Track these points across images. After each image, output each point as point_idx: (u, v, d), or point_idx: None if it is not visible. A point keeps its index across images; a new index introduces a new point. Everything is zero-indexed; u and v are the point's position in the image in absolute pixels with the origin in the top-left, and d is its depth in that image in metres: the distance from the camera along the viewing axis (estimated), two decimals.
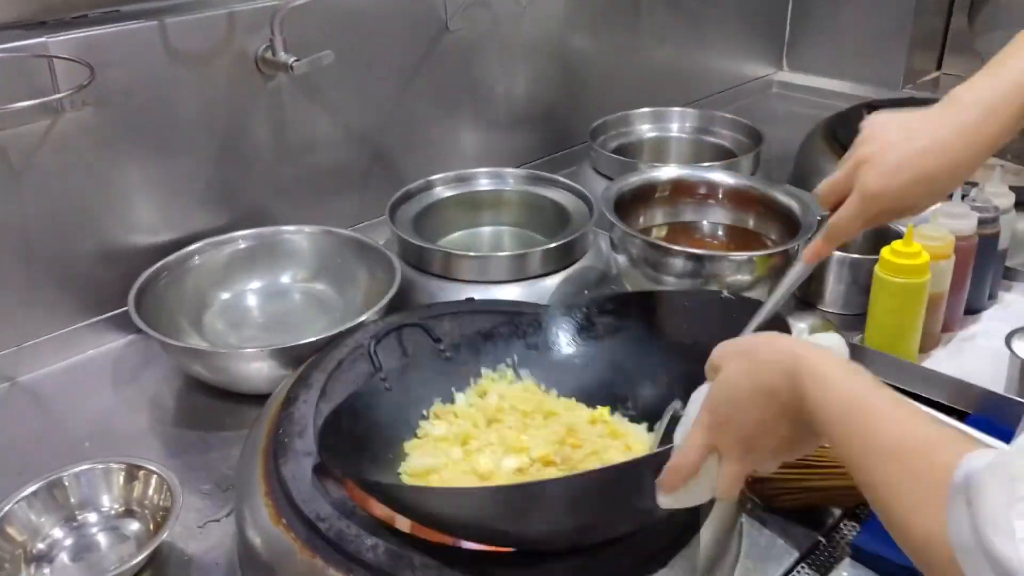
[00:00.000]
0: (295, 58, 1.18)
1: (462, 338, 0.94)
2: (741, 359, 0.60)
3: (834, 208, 0.75)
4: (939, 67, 2.12)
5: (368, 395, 0.86)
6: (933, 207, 0.89)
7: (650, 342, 0.90)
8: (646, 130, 1.63)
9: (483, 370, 0.92)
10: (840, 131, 1.56)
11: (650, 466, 0.65)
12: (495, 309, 1.01)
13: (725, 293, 0.93)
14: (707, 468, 0.62)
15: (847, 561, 0.81)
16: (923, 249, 0.97)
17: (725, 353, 0.62)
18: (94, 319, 1.18)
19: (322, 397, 0.89)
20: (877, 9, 2.01)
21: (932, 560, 0.44)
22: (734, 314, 0.81)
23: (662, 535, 0.75)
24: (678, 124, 1.64)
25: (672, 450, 0.63)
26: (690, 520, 0.77)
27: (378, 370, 0.87)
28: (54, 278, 1.13)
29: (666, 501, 0.64)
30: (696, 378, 0.69)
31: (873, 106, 1.68)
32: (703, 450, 0.61)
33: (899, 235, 1.00)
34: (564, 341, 0.94)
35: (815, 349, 0.56)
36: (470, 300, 1.05)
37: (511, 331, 0.94)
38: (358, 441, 0.83)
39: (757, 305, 0.81)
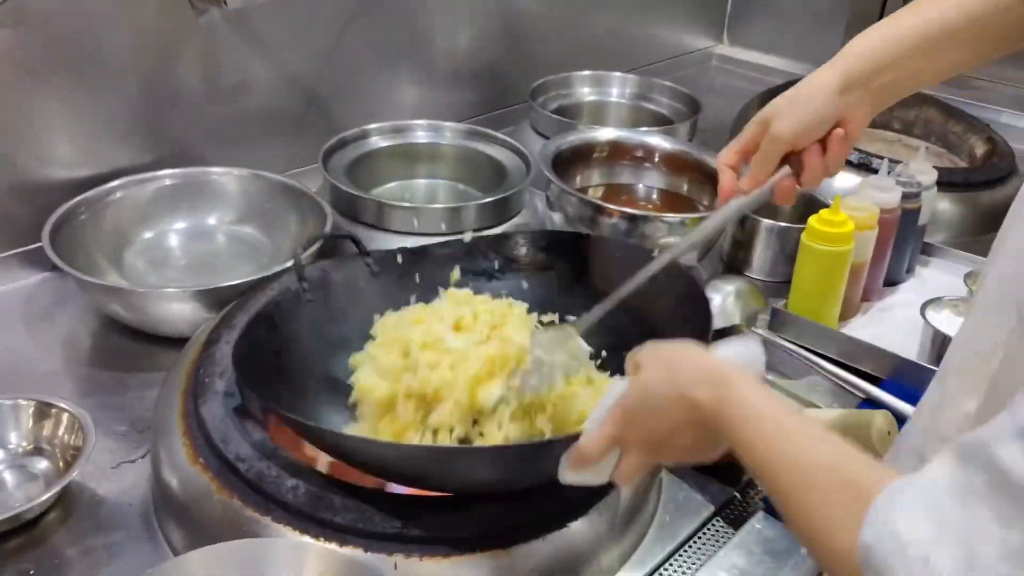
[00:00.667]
0: None
1: (393, 253, 0.93)
2: (665, 368, 0.62)
3: (738, 168, 0.80)
4: None
5: (288, 305, 0.85)
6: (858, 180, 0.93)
7: (578, 283, 0.91)
8: (586, 93, 1.63)
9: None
10: None
11: (562, 446, 0.66)
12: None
13: (656, 252, 0.93)
14: (610, 456, 0.65)
15: (760, 515, 0.83)
16: (848, 219, 1.00)
17: (650, 357, 0.64)
18: (6, 253, 1.13)
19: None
20: None
21: (842, 571, 0.47)
22: (659, 276, 0.82)
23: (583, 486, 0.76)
24: (618, 89, 1.64)
25: (582, 434, 0.65)
26: None
27: (302, 280, 0.86)
28: None
29: (567, 477, 0.67)
30: (615, 330, 0.74)
31: None
32: (610, 442, 0.64)
33: (826, 205, 1.02)
34: (495, 268, 0.95)
35: (738, 371, 0.58)
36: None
37: (446, 255, 0.94)
38: (277, 356, 0.82)
39: (686, 274, 0.82)
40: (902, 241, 1.12)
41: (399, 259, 0.93)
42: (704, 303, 0.84)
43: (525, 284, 0.94)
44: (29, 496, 0.81)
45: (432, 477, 0.73)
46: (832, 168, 0.78)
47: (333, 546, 0.70)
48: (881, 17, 2.10)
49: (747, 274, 1.19)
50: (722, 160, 0.81)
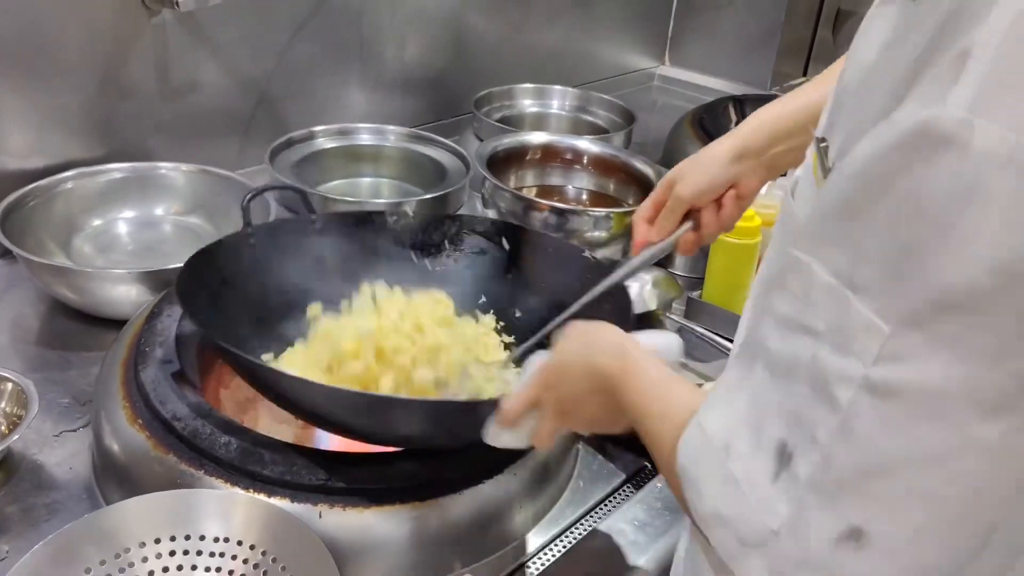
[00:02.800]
0: None
1: (335, 217, 1.00)
2: (581, 339, 0.68)
3: (651, 221, 0.91)
4: (805, 73, 2.28)
5: (232, 246, 0.91)
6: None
7: (508, 270, 0.98)
8: (528, 104, 1.71)
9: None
10: (706, 119, 1.68)
11: (491, 406, 0.72)
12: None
13: (587, 252, 1.01)
14: (528, 421, 0.70)
15: (662, 477, 0.89)
16: (756, 215, 1.08)
17: (570, 331, 0.70)
18: None
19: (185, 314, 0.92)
20: (752, 16, 2.16)
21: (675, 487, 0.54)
22: (589, 274, 0.90)
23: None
24: (558, 102, 1.73)
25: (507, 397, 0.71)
26: None
27: (247, 224, 0.92)
28: None
29: (491, 439, 0.72)
30: (540, 316, 0.79)
31: (737, 100, 1.82)
32: (527, 404, 0.70)
33: None
34: (431, 243, 1.02)
35: (640, 348, 0.65)
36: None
37: (384, 224, 1.00)
38: (215, 291, 0.88)
39: (610, 268, 0.90)
40: None
41: (342, 220, 0.99)
42: (625, 295, 0.90)
43: (455, 264, 1.01)
44: None
45: (363, 424, 0.78)
46: (727, 225, 0.90)
47: (262, 497, 0.75)
48: (812, 44, 2.24)
49: (671, 270, 1.27)
50: (638, 215, 0.91)
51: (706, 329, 1.09)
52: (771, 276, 0.52)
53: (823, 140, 0.52)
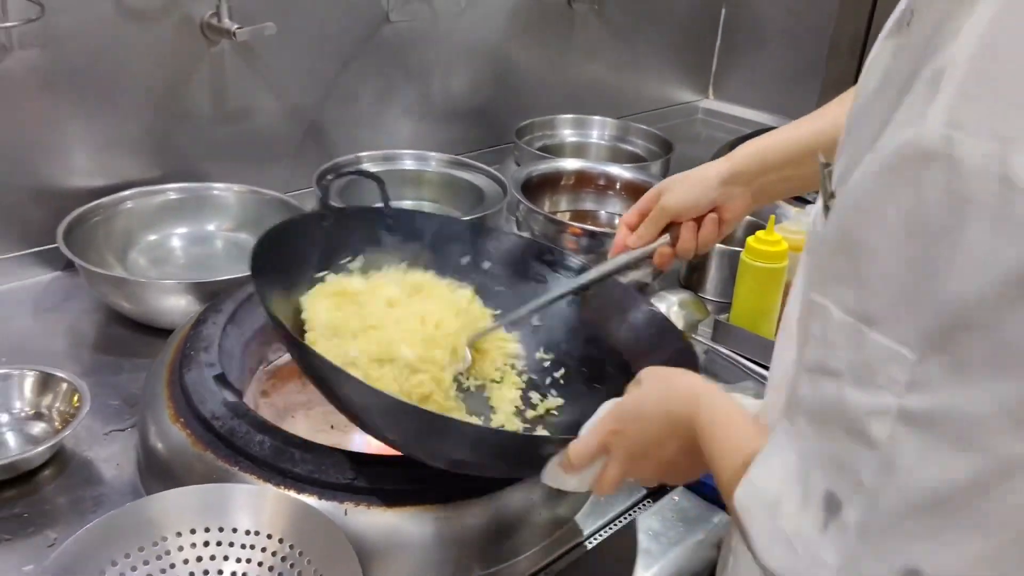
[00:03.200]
0: (238, 26, 1.27)
1: (405, 214, 1.03)
2: (658, 383, 0.67)
3: (634, 228, 0.94)
4: None
5: (304, 225, 0.96)
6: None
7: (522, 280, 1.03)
8: (568, 134, 1.75)
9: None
10: None
11: (545, 444, 0.73)
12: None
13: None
14: (594, 464, 0.68)
15: (680, 488, 0.91)
16: (783, 240, 1.10)
17: (648, 374, 0.69)
18: (22, 252, 1.24)
19: (231, 321, 0.97)
20: (796, 50, 2.18)
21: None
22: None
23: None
24: (598, 131, 1.77)
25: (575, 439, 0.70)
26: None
27: (324, 205, 0.95)
28: None
29: (550, 480, 0.71)
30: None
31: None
32: (598, 448, 0.68)
33: (762, 227, 1.13)
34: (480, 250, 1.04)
35: (719, 392, 0.63)
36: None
37: (448, 228, 1.04)
38: (287, 267, 0.91)
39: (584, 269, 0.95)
40: None
41: (415, 220, 1.02)
42: (693, 356, 0.87)
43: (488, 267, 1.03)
44: (26, 452, 0.90)
45: (410, 440, 0.79)
46: (702, 246, 0.91)
47: (291, 493, 0.78)
48: (856, 78, 2.26)
49: (701, 294, 1.29)
50: (623, 219, 0.94)
51: (733, 351, 1.10)
52: (798, 321, 0.53)
53: (828, 164, 0.54)
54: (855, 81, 2.02)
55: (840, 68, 2.22)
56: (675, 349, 0.88)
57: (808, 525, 0.45)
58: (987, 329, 0.38)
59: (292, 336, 0.79)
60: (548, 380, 0.97)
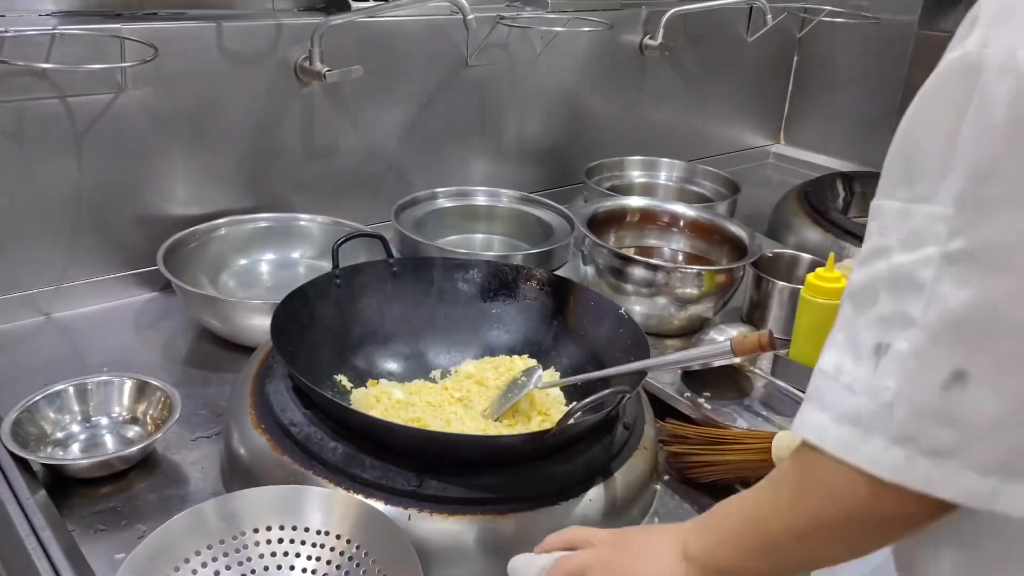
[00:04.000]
0: (329, 68, 1.37)
1: (409, 261, 1.15)
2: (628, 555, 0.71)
3: None
4: None
5: (320, 285, 1.06)
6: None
7: (554, 317, 1.14)
8: (636, 175, 1.80)
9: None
10: (811, 193, 1.72)
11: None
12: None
13: (622, 309, 1.07)
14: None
15: None
16: (842, 276, 1.12)
17: (600, 537, 0.74)
18: (125, 273, 1.34)
19: (309, 332, 1.04)
20: (869, 96, 2.19)
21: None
22: (621, 328, 1.06)
23: (578, 475, 0.89)
24: (666, 173, 1.81)
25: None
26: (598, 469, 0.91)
27: (335, 267, 1.07)
28: (96, 232, 1.30)
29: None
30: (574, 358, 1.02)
31: (845, 176, 1.85)
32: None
33: (823, 265, 1.15)
34: (494, 290, 1.15)
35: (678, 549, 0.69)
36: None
37: (451, 268, 1.14)
38: (304, 327, 1.02)
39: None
40: None
41: (414, 265, 1.14)
42: (644, 344, 1.00)
43: (511, 309, 1.14)
44: (121, 450, 0.98)
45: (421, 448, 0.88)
46: None
47: (360, 497, 0.84)
48: None
49: (760, 328, 1.31)
50: None
51: (791, 386, 1.12)
52: None
53: None
54: None
55: None
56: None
57: (863, 372, 0.54)
58: (1004, 175, 0.50)
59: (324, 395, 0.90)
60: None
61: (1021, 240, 0.50)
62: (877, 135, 2.17)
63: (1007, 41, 0.51)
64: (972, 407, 0.51)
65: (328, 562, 0.82)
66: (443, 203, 1.54)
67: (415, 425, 0.95)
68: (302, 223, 1.42)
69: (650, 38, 1.86)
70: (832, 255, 1.12)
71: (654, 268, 1.22)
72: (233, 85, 1.36)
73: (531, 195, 1.58)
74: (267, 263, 1.38)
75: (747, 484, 0.99)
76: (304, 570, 0.81)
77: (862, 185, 1.83)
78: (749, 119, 2.32)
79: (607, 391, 0.86)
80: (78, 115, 1.23)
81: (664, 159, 1.83)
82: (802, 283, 1.30)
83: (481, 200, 1.56)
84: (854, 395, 0.55)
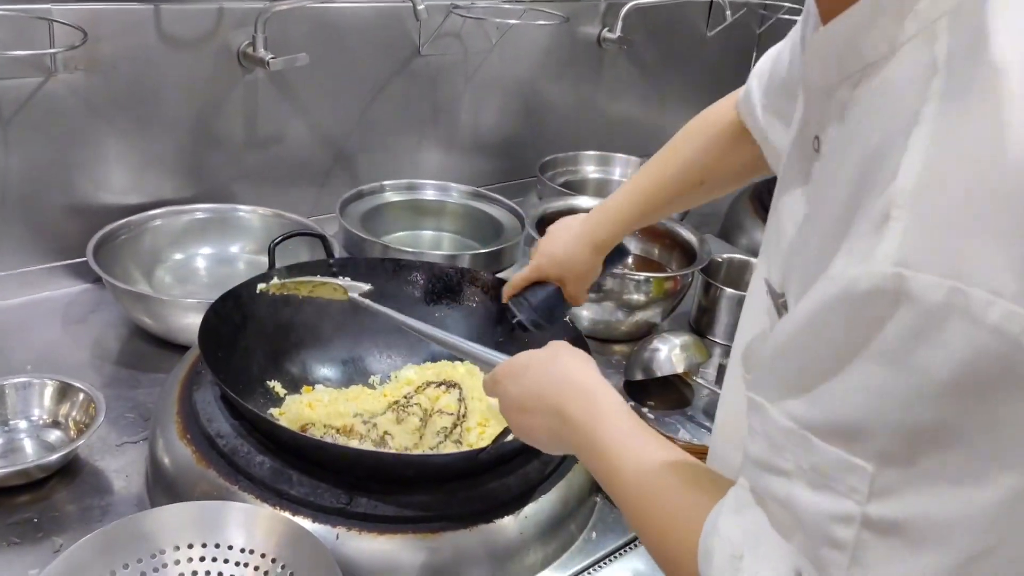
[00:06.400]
0: (273, 56, 1.32)
1: (350, 261, 1.12)
2: (548, 361, 0.70)
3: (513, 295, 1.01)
4: None
5: (255, 286, 1.01)
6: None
7: (499, 320, 1.11)
8: (591, 171, 1.78)
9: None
10: (765, 194, 1.71)
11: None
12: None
13: (567, 317, 1.05)
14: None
15: None
16: None
17: (552, 347, 0.72)
18: (54, 264, 1.29)
19: (242, 337, 1.01)
20: None
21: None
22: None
23: (514, 491, 0.87)
24: (620, 169, 1.79)
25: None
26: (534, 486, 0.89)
27: (271, 267, 1.04)
28: (23, 222, 1.24)
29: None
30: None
31: None
32: (491, 390, 0.74)
33: None
34: (436, 291, 1.13)
35: (608, 392, 0.65)
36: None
37: (392, 270, 1.12)
38: (236, 330, 0.99)
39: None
40: None
41: (356, 266, 1.10)
42: (583, 344, 0.97)
43: (455, 313, 1.12)
44: (42, 459, 0.94)
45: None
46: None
47: (286, 514, 0.81)
48: None
49: (710, 337, 1.30)
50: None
51: None
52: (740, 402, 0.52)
53: (782, 295, 0.55)
54: None
55: None
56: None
57: None
58: (948, 440, 0.39)
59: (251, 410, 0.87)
60: None
61: (966, 513, 0.40)
62: None
63: (947, 269, 0.37)
64: None
65: None
66: (391, 197, 1.50)
67: (346, 438, 0.92)
68: (242, 215, 1.37)
69: (608, 31, 1.83)
70: None
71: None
72: (172, 70, 1.31)
73: (482, 190, 1.55)
74: (204, 258, 1.34)
75: None
76: None
77: None
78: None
79: None
80: (3, 99, 1.17)
81: (619, 155, 1.81)
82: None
83: (430, 195, 1.52)
84: None
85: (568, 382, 0.67)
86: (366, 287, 0.95)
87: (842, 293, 0.41)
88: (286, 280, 0.97)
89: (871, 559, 0.42)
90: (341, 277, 0.97)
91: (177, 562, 0.78)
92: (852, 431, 0.41)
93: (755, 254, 1.54)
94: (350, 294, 0.93)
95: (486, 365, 0.77)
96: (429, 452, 0.93)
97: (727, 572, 0.49)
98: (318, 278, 0.95)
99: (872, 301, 0.39)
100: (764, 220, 1.64)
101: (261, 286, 0.98)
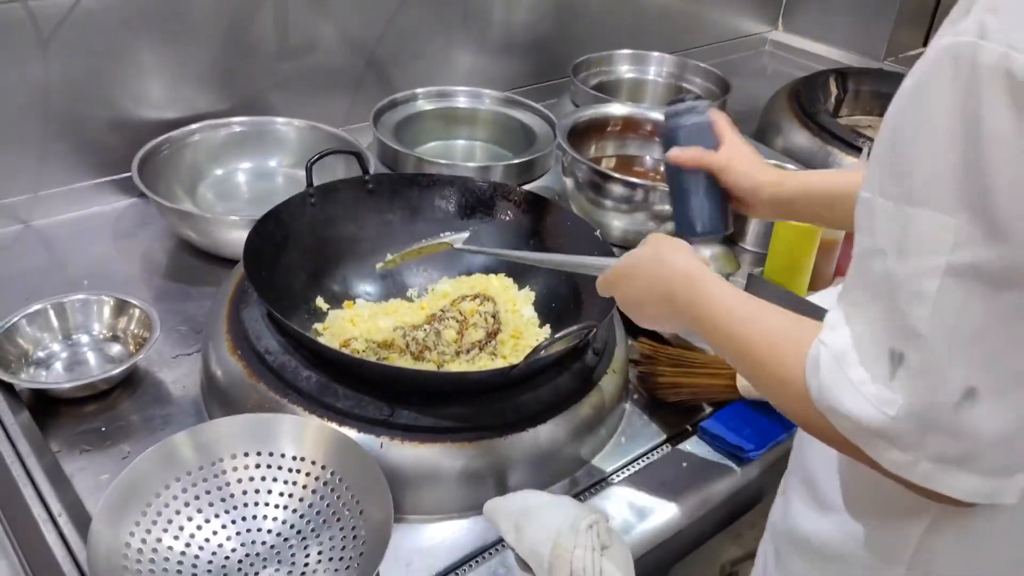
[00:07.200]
0: None
1: (385, 177, 1.14)
2: (652, 256, 0.78)
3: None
4: (925, 43, 2.21)
5: (294, 205, 1.05)
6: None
7: (531, 236, 1.13)
8: (625, 71, 1.75)
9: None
10: (803, 94, 1.68)
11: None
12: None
13: (597, 232, 1.07)
14: None
15: (694, 439, 0.97)
16: None
17: (651, 240, 0.80)
18: (101, 179, 1.33)
19: (283, 252, 1.05)
20: None
21: (790, 396, 0.62)
22: (596, 250, 1.03)
23: (547, 402, 0.92)
24: (655, 68, 1.76)
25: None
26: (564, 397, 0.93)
27: (309, 185, 1.06)
28: (68, 139, 1.28)
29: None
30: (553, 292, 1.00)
31: (840, 72, 1.80)
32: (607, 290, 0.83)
33: None
34: (468, 207, 1.14)
35: (705, 273, 0.73)
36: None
37: (428, 185, 1.13)
38: (279, 248, 1.03)
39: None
40: None
41: (392, 182, 1.13)
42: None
43: (488, 227, 1.14)
44: (105, 371, 1.00)
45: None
46: None
47: (333, 425, 0.87)
48: (934, 13, 2.15)
49: (741, 244, 1.31)
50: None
51: None
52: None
53: None
54: (931, 17, 2.00)
55: (916, 2, 2.13)
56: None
57: (874, 376, 0.53)
58: (1018, 189, 0.47)
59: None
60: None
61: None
62: (878, 22, 2.12)
63: (1004, 37, 0.47)
64: (980, 422, 0.51)
65: (304, 487, 0.85)
66: (423, 105, 1.50)
67: (387, 351, 0.97)
68: (278, 127, 1.39)
69: None
70: None
71: (632, 186, 1.21)
72: None
73: (514, 96, 1.54)
74: (244, 172, 1.37)
75: (714, 404, 1.03)
76: (281, 494, 0.85)
77: (856, 83, 1.78)
78: (747, 3, 2.23)
79: (576, 327, 0.87)
80: (41, 19, 1.19)
81: (654, 53, 1.77)
82: None
83: (462, 102, 1.52)
84: (861, 398, 0.54)
85: (672, 270, 0.75)
86: (466, 234, 0.99)
87: (930, 63, 0.50)
88: (395, 255, 1.00)
89: (950, 305, 0.50)
90: (444, 234, 1.00)
91: (235, 469, 0.85)
92: (939, 187, 0.49)
93: (791, 156, 1.53)
94: (455, 246, 0.98)
95: (597, 270, 0.85)
96: (465, 367, 0.98)
97: (833, 371, 0.56)
98: (424, 243, 0.98)
99: (954, 68, 0.48)
100: (800, 121, 1.62)
101: (379, 265, 1.02)
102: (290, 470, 0.85)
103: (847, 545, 0.66)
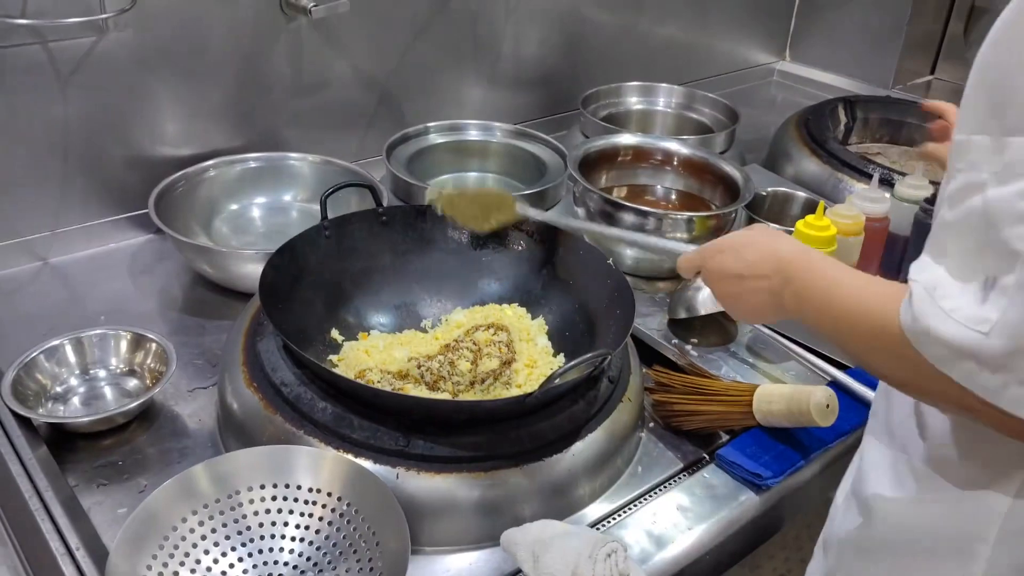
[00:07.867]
0: (314, 3, 1.33)
1: (398, 210, 1.15)
2: (767, 234, 0.80)
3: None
4: (932, 71, 2.22)
5: (309, 238, 1.06)
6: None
7: (543, 266, 1.14)
8: (634, 102, 1.77)
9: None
10: (811, 122, 1.69)
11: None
12: None
13: (610, 260, 1.07)
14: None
15: (712, 467, 0.96)
16: (832, 224, 1.11)
17: (757, 227, 0.84)
18: (118, 216, 1.35)
19: (299, 287, 1.05)
20: (878, 10, 2.12)
21: (885, 345, 0.63)
22: (610, 279, 1.05)
23: (562, 430, 0.91)
24: (664, 99, 1.77)
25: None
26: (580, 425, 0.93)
27: (324, 219, 1.07)
28: (87, 177, 1.30)
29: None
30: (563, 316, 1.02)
31: (848, 101, 1.81)
32: (699, 262, 0.86)
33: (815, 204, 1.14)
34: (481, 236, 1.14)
35: (801, 253, 0.75)
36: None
37: (440, 218, 1.13)
38: (294, 281, 1.04)
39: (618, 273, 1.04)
40: (893, 251, 1.22)
41: (405, 214, 1.14)
42: (629, 297, 1.00)
43: (502, 257, 1.15)
44: (122, 405, 1.01)
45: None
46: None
47: (349, 456, 0.87)
48: (941, 40, 2.17)
49: None
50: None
51: (778, 332, 1.13)
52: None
53: None
54: (938, 45, 2.03)
55: (923, 30, 2.15)
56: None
57: (967, 302, 0.55)
58: None
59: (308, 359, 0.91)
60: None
61: None
62: (885, 51, 2.14)
63: None
64: None
65: (320, 519, 0.85)
66: (435, 139, 1.52)
67: (402, 382, 0.97)
68: (293, 162, 1.41)
69: None
70: (822, 203, 1.11)
71: (644, 214, 1.21)
72: (217, 22, 1.33)
73: (525, 128, 1.56)
74: (259, 207, 1.38)
75: (731, 432, 1.02)
76: (298, 526, 0.85)
77: (864, 110, 1.79)
78: (754, 35, 2.25)
79: (590, 355, 0.87)
80: (60, 61, 1.21)
81: (663, 85, 1.79)
82: (794, 223, 1.30)
83: (474, 135, 1.54)
84: (953, 322, 0.55)
85: (792, 244, 0.77)
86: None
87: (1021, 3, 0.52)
88: (452, 191, 1.07)
89: None
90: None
91: (252, 501, 0.85)
92: None
93: (802, 183, 1.53)
94: (527, 213, 1.06)
95: (674, 255, 0.89)
96: (480, 396, 0.98)
97: (925, 301, 0.58)
98: (487, 188, 1.02)
99: None
100: (810, 149, 1.63)
101: (430, 198, 1.08)
102: (306, 502, 0.85)
103: (929, 521, 0.67)
